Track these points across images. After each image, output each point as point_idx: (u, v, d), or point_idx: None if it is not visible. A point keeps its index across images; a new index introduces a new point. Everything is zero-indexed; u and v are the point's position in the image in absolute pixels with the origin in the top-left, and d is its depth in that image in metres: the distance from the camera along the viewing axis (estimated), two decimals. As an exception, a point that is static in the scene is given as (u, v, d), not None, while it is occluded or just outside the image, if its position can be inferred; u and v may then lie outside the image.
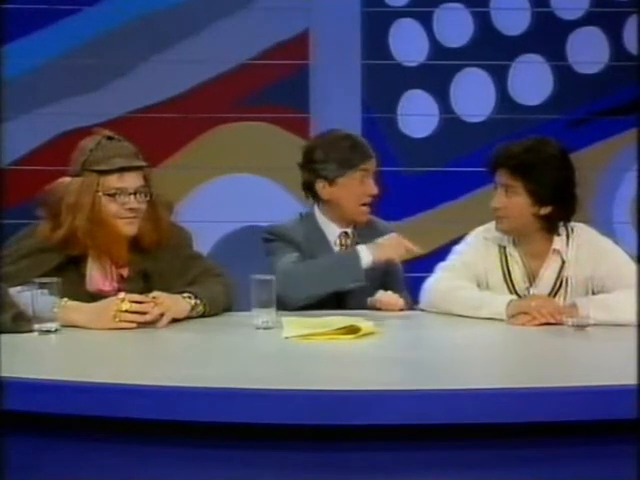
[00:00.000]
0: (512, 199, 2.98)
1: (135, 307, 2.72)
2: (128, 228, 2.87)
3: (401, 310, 3.12)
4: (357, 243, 3.26)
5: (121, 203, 2.84)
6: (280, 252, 3.25)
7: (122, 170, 2.84)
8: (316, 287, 3.10)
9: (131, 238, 2.88)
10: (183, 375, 2.16)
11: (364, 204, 3.29)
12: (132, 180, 2.86)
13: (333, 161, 3.27)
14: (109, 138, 2.88)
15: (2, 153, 4.64)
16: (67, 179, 2.88)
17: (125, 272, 2.90)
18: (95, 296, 2.82)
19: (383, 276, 3.30)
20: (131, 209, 2.85)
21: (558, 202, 2.98)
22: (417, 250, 3.12)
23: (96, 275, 2.88)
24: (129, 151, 2.89)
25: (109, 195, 2.84)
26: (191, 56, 4.92)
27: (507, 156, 2.99)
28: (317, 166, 3.29)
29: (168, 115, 4.93)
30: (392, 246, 3.15)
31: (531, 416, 2.00)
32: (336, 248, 3.32)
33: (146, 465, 2.07)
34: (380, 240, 3.16)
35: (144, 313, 2.72)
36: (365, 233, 3.32)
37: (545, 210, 2.98)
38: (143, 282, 2.90)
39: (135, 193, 2.86)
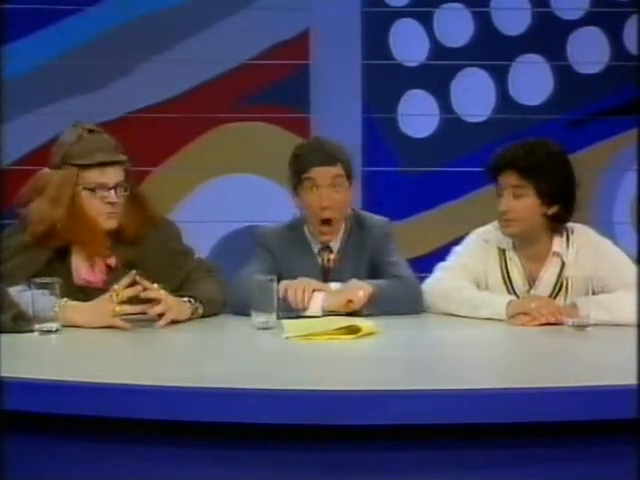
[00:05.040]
0: (521, 201, 2.96)
1: (129, 291, 2.71)
2: (108, 222, 2.86)
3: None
4: (351, 251, 3.16)
5: (101, 197, 2.84)
6: (254, 259, 3.15)
7: (102, 165, 2.84)
8: (240, 307, 2.93)
9: (113, 231, 2.87)
10: (183, 375, 2.16)
11: (322, 221, 3.09)
12: (113, 175, 2.86)
13: (290, 169, 3.18)
14: (90, 131, 2.88)
15: (2, 153, 4.63)
16: (47, 170, 2.88)
17: (112, 262, 2.89)
18: (83, 288, 2.82)
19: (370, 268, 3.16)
20: (110, 203, 2.84)
21: (564, 201, 2.99)
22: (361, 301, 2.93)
23: (82, 267, 2.87)
24: (110, 145, 2.88)
25: (89, 189, 2.84)
26: (191, 56, 4.91)
27: (514, 158, 2.96)
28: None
29: (168, 115, 4.92)
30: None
31: (531, 416, 2.00)
32: (319, 261, 3.17)
33: (146, 465, 2.07)
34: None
35: (142, 303, 2.71)
36: (355, 233, 3.20)
37: (552, 210, 2.98)
38: None
39: (115, 187, 2.85)
